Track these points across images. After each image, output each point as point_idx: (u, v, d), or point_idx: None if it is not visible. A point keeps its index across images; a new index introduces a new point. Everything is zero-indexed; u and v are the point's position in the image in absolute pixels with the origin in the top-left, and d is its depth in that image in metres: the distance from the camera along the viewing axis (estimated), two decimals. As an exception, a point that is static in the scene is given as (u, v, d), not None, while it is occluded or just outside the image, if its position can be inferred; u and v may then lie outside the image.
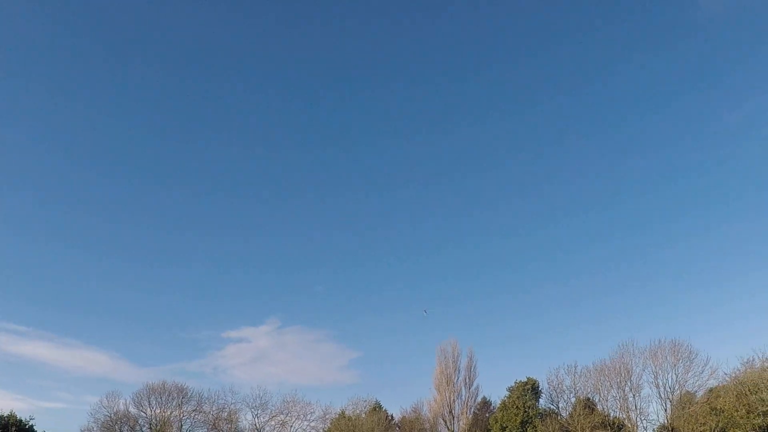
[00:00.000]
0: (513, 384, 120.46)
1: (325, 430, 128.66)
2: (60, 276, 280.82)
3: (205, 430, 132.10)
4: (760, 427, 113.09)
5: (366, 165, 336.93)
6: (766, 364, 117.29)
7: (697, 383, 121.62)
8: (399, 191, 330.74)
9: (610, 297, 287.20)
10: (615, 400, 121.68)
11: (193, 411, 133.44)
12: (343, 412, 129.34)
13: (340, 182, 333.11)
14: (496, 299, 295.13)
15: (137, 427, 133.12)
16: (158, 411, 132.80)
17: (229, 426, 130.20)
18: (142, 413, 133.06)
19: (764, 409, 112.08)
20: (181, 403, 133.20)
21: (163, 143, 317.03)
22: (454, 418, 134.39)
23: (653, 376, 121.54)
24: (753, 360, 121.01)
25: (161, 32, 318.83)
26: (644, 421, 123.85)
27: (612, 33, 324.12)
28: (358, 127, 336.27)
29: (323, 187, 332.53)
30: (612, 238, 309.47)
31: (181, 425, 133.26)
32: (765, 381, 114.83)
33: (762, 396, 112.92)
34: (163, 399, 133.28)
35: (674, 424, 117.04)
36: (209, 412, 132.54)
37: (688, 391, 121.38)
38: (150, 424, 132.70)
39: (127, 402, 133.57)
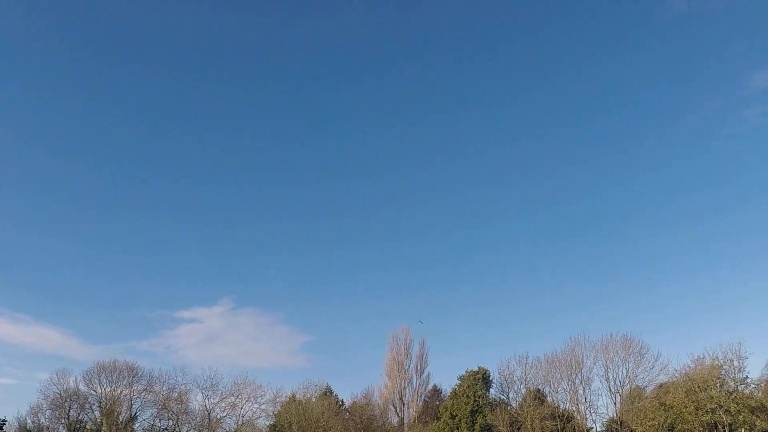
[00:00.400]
0: (464, 373, 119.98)
1: (276, 413, 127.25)
2: (13, 253, 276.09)
3: (155, 410, 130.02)
4: (708, 424, 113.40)
5: (322, 155, 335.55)
6: (716, 362, 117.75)
7: (647, 378, 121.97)
8: (355, 181, 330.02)
9: (563, 290, 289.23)
10: (565, 392, 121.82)
11: (144, 390, 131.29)
12: (293, 396, 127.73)
13: (296, 171, 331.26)
14: (449, 288, 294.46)
15: (87, 406, 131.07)
16: (108, 390, 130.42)
17: (180, 406, 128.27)
18: (92, 391, 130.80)
19: (713, 406, 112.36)
20: (132, 382, 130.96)
21: (120, 129, 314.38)
22: (404, 405, 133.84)
23: (604, 370, 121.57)
24: (703, 358, 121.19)
25: (148, 27, 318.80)
26: (593, 414, 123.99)
27: (579, 31, 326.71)
28: (317, 117, 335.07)
29: (279, 175, 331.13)
30: (567, 233, 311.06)
31: (131, 404, 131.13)
32: (714, 379, 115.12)
33: (711, 393, 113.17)
34: (114, 378, 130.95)
35: (623, 418, 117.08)
36: (159, 392, 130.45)
37: (638, 386, 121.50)
38: (100, 403, 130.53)
39: (78, 380, 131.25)
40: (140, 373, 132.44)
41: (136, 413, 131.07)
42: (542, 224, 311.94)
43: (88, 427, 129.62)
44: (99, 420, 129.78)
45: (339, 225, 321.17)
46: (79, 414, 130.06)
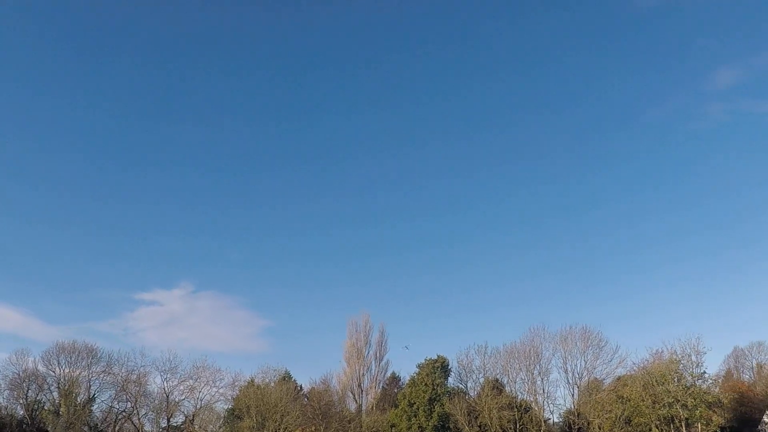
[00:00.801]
0: (423, 361, 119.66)
1: (234, 397, 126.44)
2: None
3: (114, 391, 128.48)
4: (664, 418, 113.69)
5: (286, 140, 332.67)
6: (674, 357, 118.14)
7: (605, 371, 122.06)
8: (317, 168, 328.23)
9: (523, 281, 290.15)
10: (523, 382, 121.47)
11: (102, 372, 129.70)
12: (252, 381, 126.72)
13: (259, 156, 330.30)
14: (410, 276, 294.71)
15: (45, 387, 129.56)
16: (67, 371, 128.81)
17: (138, 389, 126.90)
18: (51, 372, 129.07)
19: (670, 400, 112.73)
20: (91, 363, 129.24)
21: (79, 112, 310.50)
22: (362, 391, 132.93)
23: (562, 361, 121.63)
24: (662, 352, 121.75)
25: (137, 18, 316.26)
26: (551, 405, 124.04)
27: (547, 25, 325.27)
28: (281, 105, 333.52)
29: (243, 161, 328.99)
30: (527, 225, 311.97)
31: (90, 386, 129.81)
32: (672, 373, 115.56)
33: (668, 387, 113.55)
34: (73, 359, 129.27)
35: (581, 410, 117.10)
36: (118, 373, 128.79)
37: (596, 378, 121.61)
38: (58, 384, 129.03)
39: (36, 360, 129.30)
40: (99, 355, 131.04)
41: (94, 395, 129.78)
42: (503, 215, 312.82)
43: (46, 408, 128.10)
44: (57, 401, 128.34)
45: (300, 210, 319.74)
46: (37, 395, 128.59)
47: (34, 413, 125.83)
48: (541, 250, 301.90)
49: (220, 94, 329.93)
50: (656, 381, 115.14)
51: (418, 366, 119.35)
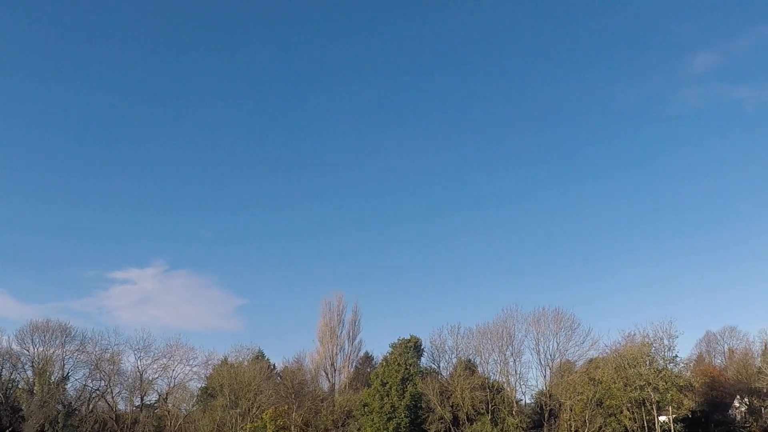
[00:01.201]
0: (396, 341, 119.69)
1: (207, 376, 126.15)
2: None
3: (88, 370, 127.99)
4: (636, 401, 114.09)
5: (261, 117, 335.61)
6: (646, 340, 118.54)
7: (577, 353, 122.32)
8: (290, 141, 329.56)
9: (497, 262, 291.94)
10: (496, 363, 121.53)
11: (76, 351, 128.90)
12: (225, 359, 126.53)
13: (232, 131, 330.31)
14: (384, 257, 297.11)
15: (19, 365, 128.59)
16: (41, 349, 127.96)
17: (112, 367, 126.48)
18: (25, 351, 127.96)
19: (641, 383, 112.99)
20: (65, 342, 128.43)
21: (50, 88, 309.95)
22: (335, 370, 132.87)
23: (535, 343, 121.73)
24: (634, 335, 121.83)
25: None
26: (523, 387, 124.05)
27: (524, 6, 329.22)
28: (258, 82, 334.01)
29: (216, 136, 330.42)
30: (501, 205, 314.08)
31: (64, 364, 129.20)
32: (644, 356, 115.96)
33: (640, 370, 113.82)
34: (47, 337, 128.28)
35: (552, 391, 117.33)
36: (92, 352, 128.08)
37: (568, 360, 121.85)
38: (32, 362, 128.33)
39: (10, 339, 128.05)
40: (73, 334, 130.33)
41: (68, 373, 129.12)
42: (477, 199, 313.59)
43: (20, 386, 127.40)
44: (31, 380, 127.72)
45: (274, 187, 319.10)
46: (11, 374, 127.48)
47: (8, 392, 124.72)
48: (516, 233, 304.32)
49: (195, 71, 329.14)
50: (628, 364, 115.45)
51: (391, 346, 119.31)
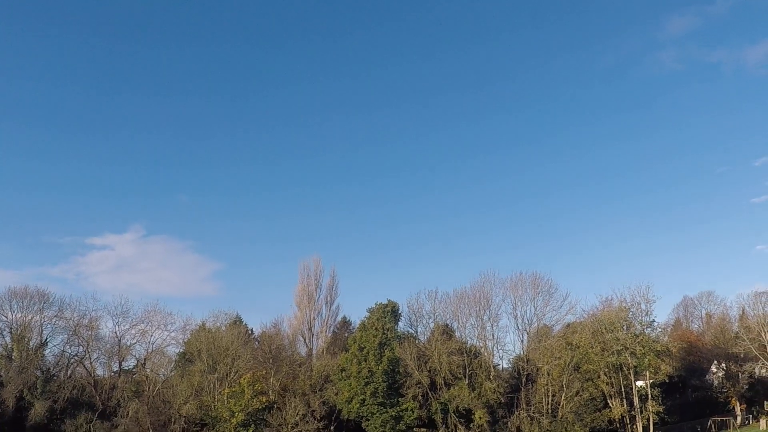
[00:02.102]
0: (374, 306, 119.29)
1: (185, 341, 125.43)
2: None
3: (66, 336, 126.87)
4: (613, 366, 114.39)
5: (239, 68, 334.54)
6: (623, 305, 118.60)
7: (555, 317, 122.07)
8: (271, 92, 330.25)
9: (474, 226, 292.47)
10: (473, 328, 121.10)
11: (54, 317, 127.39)
12: (203, 324, 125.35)
13: (206, 86, 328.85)
14: (361, 219, 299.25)
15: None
16: (19, 315, 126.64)
17: (90, 333, 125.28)
18: (3, 317, 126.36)
19: (618, 348, 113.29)
20: (43, 308, 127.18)
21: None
22: (313, 335, 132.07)
23: (512, 307, 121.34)
24: (611, 299, 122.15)
25: None
26: (501, 351, 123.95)
27: None
28: (239, 26, 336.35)
29: (188, 91, 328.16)
30: (481, 165, 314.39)
31: (42, 330, 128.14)
32: (621, 321, 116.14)
33: (617, 335, 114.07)
34: (25, 303, 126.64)
35: (530, 356, 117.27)
36: (70, 318, 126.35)
37: (545, 325, 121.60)
38: (11, 329, 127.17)
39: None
40: (51, 300, 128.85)
41: (46, 339, 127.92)
42: (454, 151, 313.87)
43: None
44: (10, 346, 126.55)
45: (250, 140, 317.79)
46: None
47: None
48: (494, 196, 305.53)
49: (177, 17, 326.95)
50: (605, 328, 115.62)
51: (369, 310, 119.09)
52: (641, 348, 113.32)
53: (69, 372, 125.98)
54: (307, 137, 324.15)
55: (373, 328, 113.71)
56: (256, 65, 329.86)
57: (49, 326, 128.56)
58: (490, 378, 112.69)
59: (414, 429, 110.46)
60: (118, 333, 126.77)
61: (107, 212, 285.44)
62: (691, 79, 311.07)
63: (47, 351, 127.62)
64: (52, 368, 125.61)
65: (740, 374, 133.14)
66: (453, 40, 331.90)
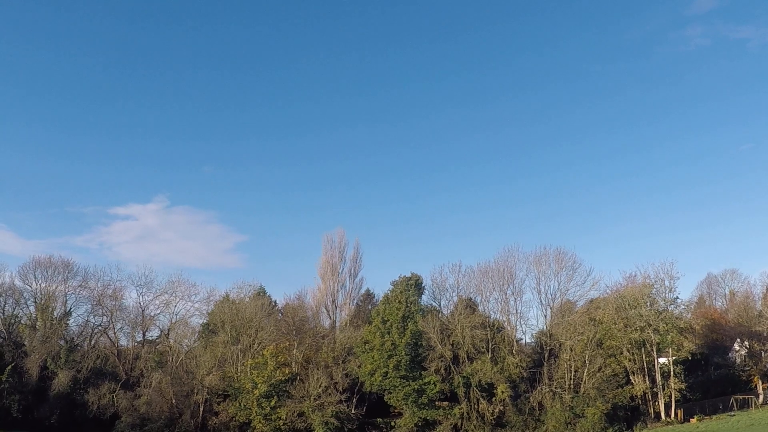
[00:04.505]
0: (397, 278, 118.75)
1: (209, 312, 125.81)
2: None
3: (90, 306, 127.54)
4: (636, 342, 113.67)
5: (257, 41, 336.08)
6: (647, 281, 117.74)
7: (578, 293, 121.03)
8: (297, 66, 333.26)
9: (499, 200, 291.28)
10: (496, 302, 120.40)
11: (79, 287, 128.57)
12: (227, 296, 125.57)
13: (232, 59, 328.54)
14: (386, 191, 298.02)
15: (22, 301, 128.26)
16: (43, 285, 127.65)
17: (114, 303, 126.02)
18: (27, 287, 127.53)
19: (641, 324, 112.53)
20: (67, 278, 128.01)
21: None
22: (336, 307, 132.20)
23: (536, 282, 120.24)
24: (635, 276, 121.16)
25: None
26: (523, 326, 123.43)
27: None
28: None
29: (215, 64, 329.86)
30: (509, 154, 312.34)
31: (66, 300, 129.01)
32: (645, 297, 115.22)
33: (641, 312, 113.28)
34: (49, 273, 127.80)
35: (553, 331, 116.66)
36: (94, 288, 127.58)
37: (568, 300, 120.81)
38: (35, 298, 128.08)
39: (13, 275, 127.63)
40: (75, 269, 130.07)
41: (70, 309, 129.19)
42: (477, 127, 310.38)
43: (23, 322, 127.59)
44: (34, 315, 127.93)
45: (277, 113, 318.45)
46: (14, 309, 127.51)
47: (11, 327, 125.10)
48: (518, 172, 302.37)
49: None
50: (629, 305, 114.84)
51: (392, 283, 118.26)
52: (664, 325, 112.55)
53: (93, 342, 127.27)
54: (332, 110, 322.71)
55: (397, 301, 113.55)
56: (283, 40, 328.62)
57: (73, 296, 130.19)
58: (512, 353, 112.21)
59: (436, 402, 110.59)
60: (141, 303, 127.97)
61: (131, 182, 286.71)
62: (718, 56, 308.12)
63: (71, 321, 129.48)
64: (75, 338, 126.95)
65: (763, 353, 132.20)
66: (480, 15, 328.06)
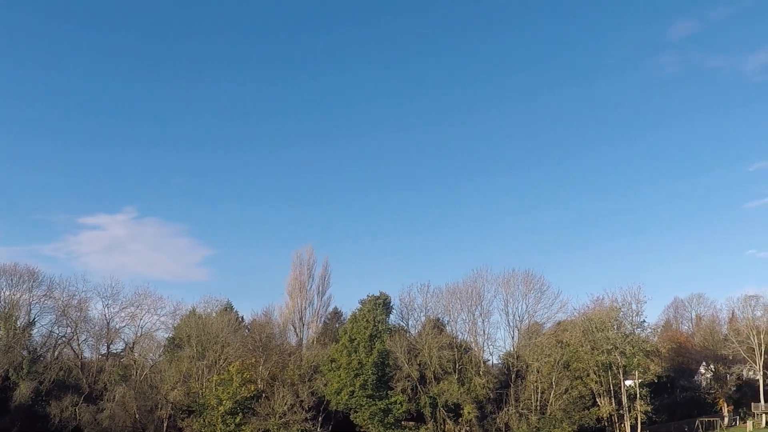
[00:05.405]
0: (365, 297, 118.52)
1: (175, 326, 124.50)
2: None
3: (54, 316, 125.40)
4: (602, 364, 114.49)
5: (225, 52, 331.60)
6: (614, 304, 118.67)
7: (546, 315, 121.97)
8: (269, 80, 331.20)
9: (468, 222, 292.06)
10: (464, 323, 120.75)
11: (43, 296, 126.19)
12: (194, 310, 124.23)
13: (204, 70, 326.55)
14: (355, 210, 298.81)
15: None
16: (7, 293, 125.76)
17: (79, 314, 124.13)
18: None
19: (608, 347, 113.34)
20: (32, 286, 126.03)
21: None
22: (304, 325, 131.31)
23: (504, 304, 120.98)
24: (603, 299, 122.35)
25: None
26: (491, 347, 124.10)
27: None
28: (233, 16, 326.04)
29: (187, 76, 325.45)
30: (474, 170, 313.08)
31: (30, 309, 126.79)
32: (612, 320, 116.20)
33: (607, 334, 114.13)
34: (14, 281, 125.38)
35: (520, 352, 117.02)
36: (59, 298, 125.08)
37: (536, 322, 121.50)
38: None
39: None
40: (40, 278, 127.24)
41: (34, 319, 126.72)
42: (452, 141, 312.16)
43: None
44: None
45: (247, 127, 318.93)
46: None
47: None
48: (488, 196, 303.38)
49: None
50: (596, 327, 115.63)
51: (360, 302, 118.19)
52: (631, 347, 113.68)
53: (56, 353, 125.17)
54: (304, 126, 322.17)
55: (364, 319, 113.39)
56: (255, 53, 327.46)
57: (37, 305, 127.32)
58: (479, 373, 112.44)
59: (402, 422, 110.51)
60: (107, 315, 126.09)
61: (100, 192, 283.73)
62: (690, 83, 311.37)
63: (35, 331, 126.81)
64: (39, 348, 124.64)
65: (728, 376, 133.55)
66: (455, 35, 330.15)
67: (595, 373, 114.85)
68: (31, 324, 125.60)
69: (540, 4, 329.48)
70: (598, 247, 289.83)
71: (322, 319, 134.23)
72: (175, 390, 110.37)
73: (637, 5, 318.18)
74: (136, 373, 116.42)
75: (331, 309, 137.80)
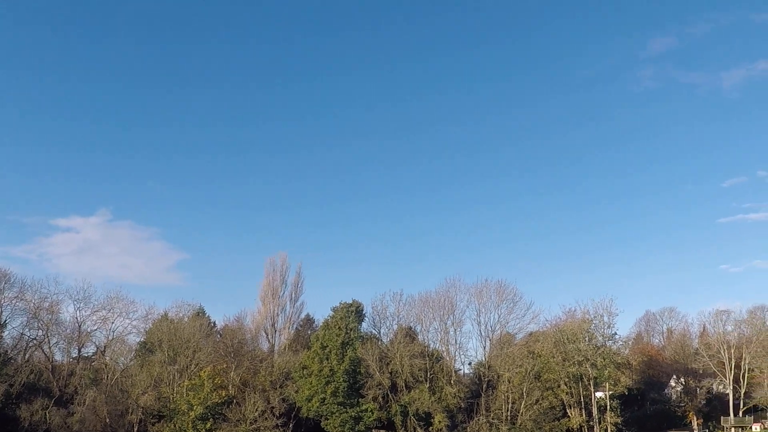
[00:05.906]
0: (338, 304, 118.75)
1: (147, 330, 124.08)
2: None
3: (25, 318, 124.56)
4: (573, 376, 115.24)
5: (202, 58, 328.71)
6: (586, 317, 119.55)
7: (518, 326, 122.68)
8: (246, 85, 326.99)
9: (441, 232, 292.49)
10: (436, 332, 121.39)
11: (15, 298, 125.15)
12: (166, 315, 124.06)
13: (180, 75, 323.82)
14: (329, 217, 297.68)
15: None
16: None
17: (50, 317, 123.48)
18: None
19: (579, 358, 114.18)
20: (3, 288, 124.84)
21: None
22: (276, 331, 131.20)
23: (476, 313, 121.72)
24: (574, 311, 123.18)
25: None
26: (463, 356, 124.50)
27: None
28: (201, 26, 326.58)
29: (163, 80, 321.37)
30: (450, 179, 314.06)
31: (1, 312, 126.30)
32: (583, 332, 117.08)
33: (579, 346, 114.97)
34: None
35: (492, 362, 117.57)
36: (31, 300, 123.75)
37: (508, 332, 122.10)
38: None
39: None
40: (12, 280, 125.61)
41: (5, 321, 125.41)
42: (423, 155, 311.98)
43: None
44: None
45: (221, 132, 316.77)
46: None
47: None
48: (461, 206, 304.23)
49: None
50: (567, 339, 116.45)
51: (333, 309, 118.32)
52: (602, 360, 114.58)
53: (27, 356, 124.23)
54: (280, 133, 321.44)
55: (337, 327, 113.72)
56: (233, 58, 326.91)
57: (8, 307, 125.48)
58: (451, 383, 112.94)
59: (373, 430, 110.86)
60: (78, 318, 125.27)
61: (74, 194, 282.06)
62: (667, 98, 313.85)
63: (5, 333, 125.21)
64: (9, 351, 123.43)
65: (698, 389, 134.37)
66: (445, 42, 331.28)
67: (566, 384, 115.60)
68: (2, 326, 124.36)
69: (518, 18, 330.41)
70: (571, 258, 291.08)
71: (295, 326, 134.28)
72: (146, 395, 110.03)
73: (616, 20, 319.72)
74: (107, 377, 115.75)
75: (303, 316, 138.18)
